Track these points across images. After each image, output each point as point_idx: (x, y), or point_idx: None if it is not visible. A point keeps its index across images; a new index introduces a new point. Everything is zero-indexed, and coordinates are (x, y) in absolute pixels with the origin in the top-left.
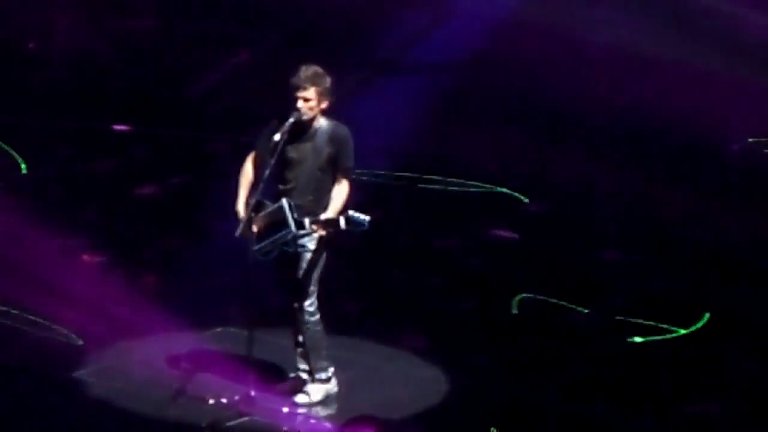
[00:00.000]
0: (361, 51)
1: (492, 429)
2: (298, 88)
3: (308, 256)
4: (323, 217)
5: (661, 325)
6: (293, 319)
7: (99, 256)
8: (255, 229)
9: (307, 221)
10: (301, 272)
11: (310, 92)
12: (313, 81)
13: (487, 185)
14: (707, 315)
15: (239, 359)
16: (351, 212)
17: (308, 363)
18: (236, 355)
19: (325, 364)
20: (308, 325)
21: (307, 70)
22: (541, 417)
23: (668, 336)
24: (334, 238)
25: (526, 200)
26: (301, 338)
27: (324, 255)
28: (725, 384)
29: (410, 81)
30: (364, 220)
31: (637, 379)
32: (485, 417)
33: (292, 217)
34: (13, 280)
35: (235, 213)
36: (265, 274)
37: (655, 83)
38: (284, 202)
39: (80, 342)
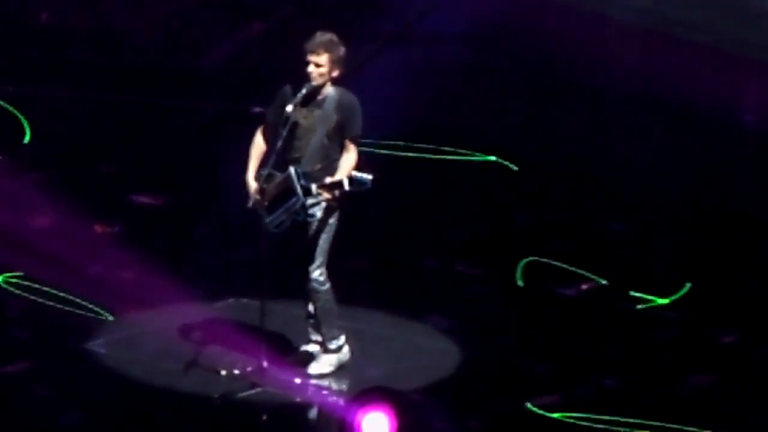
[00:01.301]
0: (373, 22)
1: (527, 404)
2: (311, 52)
3: (317, 224)
4: (328, 180)
5: (645, 296)
6: (304, 289)
7: (111, 226)
8: (266, 201)
9: (313, 187)
10: (310, 240)
11: (323, 58)
12: (327, 47)
13: (478, 154)
14: (688, 285)
15: (251, 330)
16: (354, 172)
17: (319, 332)
18: (248, 326)
19: (336, 332)
20: (318, 294)
21: (322, 36)
22: (552, 387)
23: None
24: (343, 206)
25: (516, 168)
26: (311, 307)
27: (334, 224)
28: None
29: (422, 52)
30: (367, 179)
31: (646, 351)
32: (498, 387)
33: (299, 184)
34: (24, 251)
35: (245, 184)
36: (276, 244)
37: (675, 56)
38: (291, 170)
39: (111, 318)
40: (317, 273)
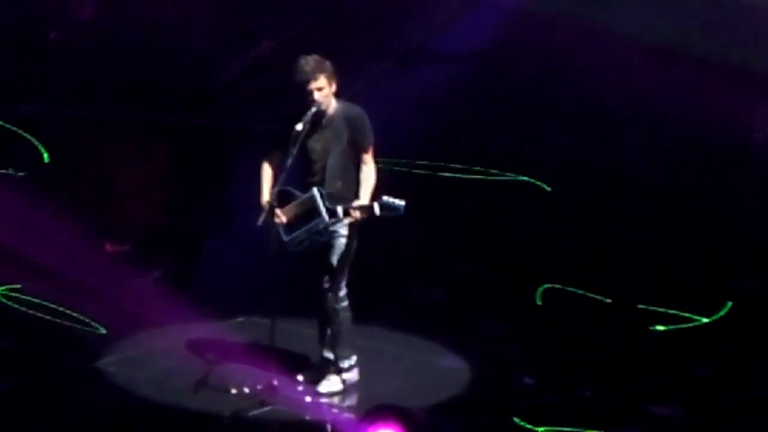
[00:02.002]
0: (383, 40)
1: (514, 418)
2: (309, 81)
3: (339, 242)
4: (357, 203)
5: (682, 314)
6: (318, 308)
7: (122, 245)
8: (284, 219)
9: (340, 209)
10: (332, 259)
11: (321, 80)
12: (320, 68)
13: (510, 174)
14: (729, 304)
15: (262, 349)
16: (385, 198)
17: (333, 351)
18: (259, 344)
19: (348, 352)
20: (337, 312)
21: (308, 63)
22: (562, 407)
23: (690, 325)
24: (364, 226)
25: (549, 189)
26: (328, 325)
27: (354, 242)
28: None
29: (432, 70)
30: (400, 205)
31: (661, 367)
32: (507, 407)
33: (324, 205)
34: (36, 270)
35: (260, 204)
36: (288, 262)
37: (680, 75)
38: (315, 191)
39: (103, 331)
40: (338, 291)
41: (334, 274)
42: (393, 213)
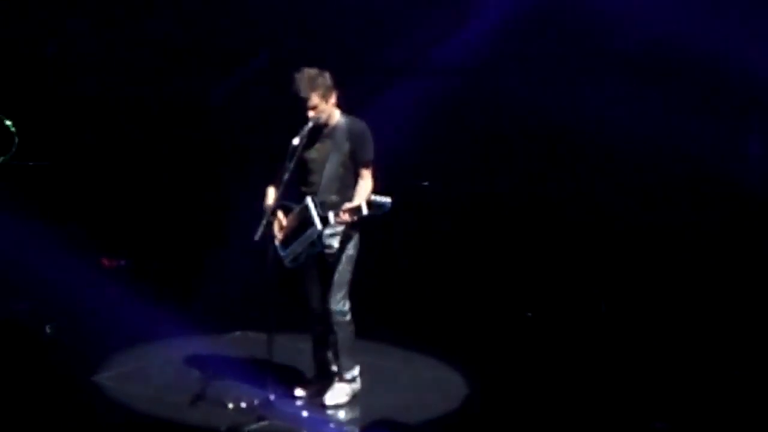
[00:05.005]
0: (378, 54)
1: None
2: (301, 99)
3: (336, 255)
4: (346, 206)
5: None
6: (313, 323)
7: (118, 259)
8: (280, 235)
9: (331, 215)
10: (329, 273)
11: (313, 99)
12: (311, 86)
13: None
14: None
15: (258, 363)
16: (373, 196)
17: (336, 362)
18: (255, 359)
19: (351, 363)
20: (341, 325)
21: (300, 80)
22: (561, 419)
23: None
24: (362, 236)
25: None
26: (330, 337)
27: (353, 254)
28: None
29: (426, 83)
30: (386, 202)
31: (658, 376)
32: (506, 420)
33: (317, 213)
34: (33, 283)
35: (258, 218)
36: (284, 277)
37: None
38: (308, 199)
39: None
40: (341, 304)
41: (334, 286)
42: (380, 211)
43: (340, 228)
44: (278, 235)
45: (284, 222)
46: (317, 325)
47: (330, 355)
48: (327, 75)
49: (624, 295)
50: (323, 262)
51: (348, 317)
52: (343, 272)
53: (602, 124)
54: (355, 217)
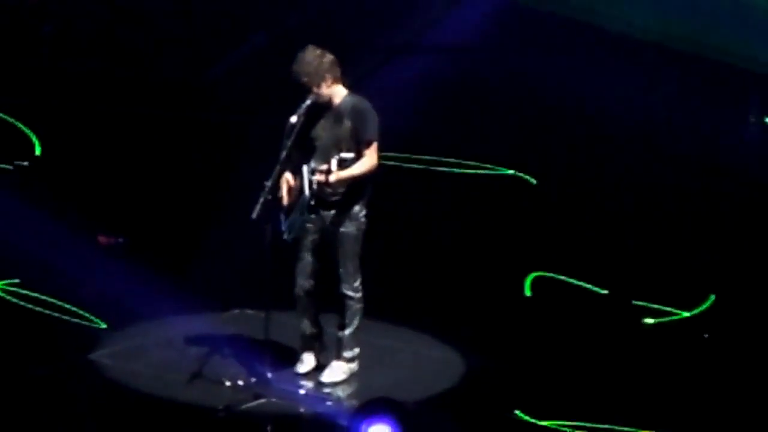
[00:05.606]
0: (378, 33)
1: (516, 411)
2: (296, 81)
3: (342, 235)
4: (321, 168)
5: (664, 308)
6: (307, 303)
7: (115, 237)
8: (287, 198)
9: (314, 177)
10: (341, 248)
11: (309, 81)
12: (305, 70)
13: (500, 168)
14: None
15: (255, 341)
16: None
17: (342, 340)
18: (253, 337)
19: (354, 343)
20: (352, 302)
21: (296, 64)
22: (557, 398)
23: (674, 318)
24: (368, 216)
25: (534, 182)
26: (341, 317)
27: (359, 233)
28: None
29: (425, 63)
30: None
31: (653, 361)
32: (503, 398)
33: (308, 179)
34: (29, 262)
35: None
36: (283, 256)
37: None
38: (304, 167)
39: (103, 325)
40: (354, 282)
41: (346, 262)
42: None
43: (350, 209)
44: (286, 199)
45: (286, 194)
46: (306, 301)
47: (315, 330)
48: (329, 55)
49: (621, 277)
50: (334, 239)
51: (359, 294)
52: (351, 251)
53: (596, 102)
54: (328, 177)
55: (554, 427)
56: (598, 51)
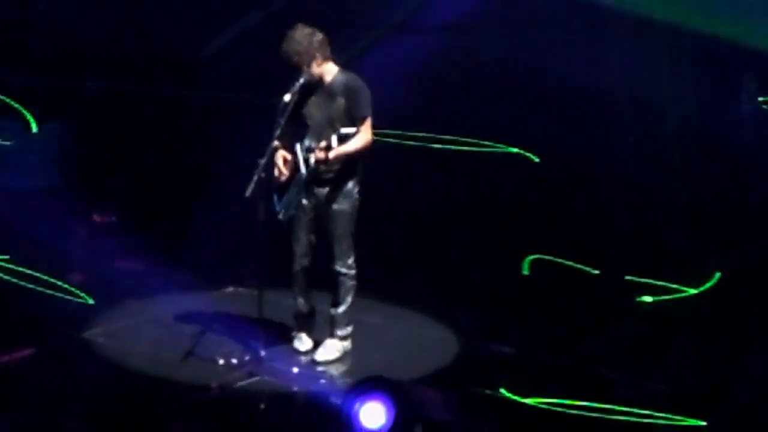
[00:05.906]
0: (372, 11)
1: (501, 389)
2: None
3: (341, 208)
4: (323, 144)
5: (670, 285)
6: (301, 280)
7: (109, 215)
8: (285, 172)
9: (311, 156)
10: (334, 225)
11: (299, 60)
12: (295, 50)
13: (499, 145)
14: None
15: (249, 320)
16: (344, 130)
17: (335, 318)
18: (246, 315)
19: (347, 321)
20: (346, 279)
21: (285, 43)
22: (549, 377)
23: (678, 296)
24: (361, 193)
25: (537, 160)
26: (335, 295)
27: (353, 212)
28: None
29: (419, 42)
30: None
31: (648, 339)
32: (494, 376)
33: (303, 158)
34: (22, 240)
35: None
36: (276, 234)
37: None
38: (297, 146)
39: (91, 302)
40: (347, 259)
41: (340, 240)
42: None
43: (344, 186)
44: (283, 173)
45: (284, 170)
46: (303, 279)
47: (309, 307)
48: (318, 34)
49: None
50: (328, 216)
51: (353, 271)
52: (345, 229)
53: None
54: (327, 155)
55: (537, 404)
56: (592, 28)
